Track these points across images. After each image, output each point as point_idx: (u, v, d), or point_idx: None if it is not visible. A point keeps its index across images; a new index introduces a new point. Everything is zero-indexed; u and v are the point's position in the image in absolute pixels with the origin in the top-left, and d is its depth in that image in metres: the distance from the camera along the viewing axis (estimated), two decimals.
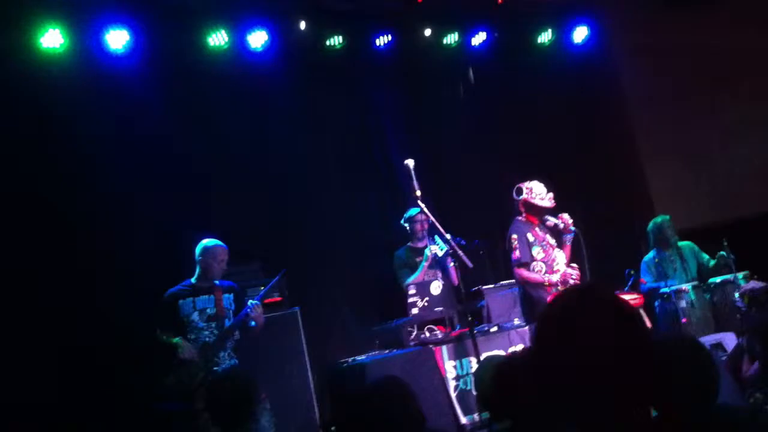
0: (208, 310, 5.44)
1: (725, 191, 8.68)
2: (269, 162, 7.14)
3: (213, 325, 5.42)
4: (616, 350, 1.43)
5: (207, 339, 5.37)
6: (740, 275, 6.75)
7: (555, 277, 6.01)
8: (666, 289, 6.87)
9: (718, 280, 6.93)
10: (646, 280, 7.25)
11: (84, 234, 6.12)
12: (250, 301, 5.48)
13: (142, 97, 6.51)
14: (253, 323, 5.47)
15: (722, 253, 6.91)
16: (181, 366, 5.22)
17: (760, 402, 3.62)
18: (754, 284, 6.23)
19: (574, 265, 6.07)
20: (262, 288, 5.86)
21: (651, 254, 7.38)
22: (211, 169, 6.78)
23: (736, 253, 6.87)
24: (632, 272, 7.42)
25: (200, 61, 7.00)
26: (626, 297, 6.25)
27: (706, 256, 7.27)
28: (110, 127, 6.41)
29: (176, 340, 5.25)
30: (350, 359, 6.17)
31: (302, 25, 7.35)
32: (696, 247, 7.38)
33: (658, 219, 7.40)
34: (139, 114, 6.49)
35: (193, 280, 5.54)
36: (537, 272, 6.08)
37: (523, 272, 6.08)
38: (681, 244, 7.35)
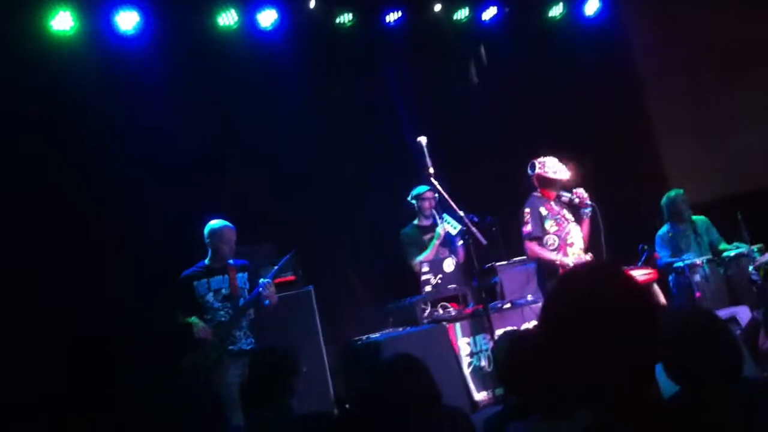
0: (222, 290, 5.49)
1: (740, 164, 8.61)
2: (280, 142, 7.14)
3: (228, 305, 5.47)
4: (624, 328, 1.43)
5: (222, 319, 5.42)
6: (755, 248, 6.72)
7: (568, 260, 6.01)
8: (680, 264, 6.84)
9: (732, 253, 6.90)
10: (661, 254, 7.22)
11: (95, 219, 6.16)
12: (262, 279, 5.51)
13: (152, 79, 6.53)
14: (266, 302, 5.50)
15: (737, 244, 6.86)
16: (197, 346, 5.28)
17: None
18: None
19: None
20: (274, 267, 5.89)
21: (665, 228, 7.35)
22: (222, 150, 6.79)
23: (751, 226, 6.83)
24: (646, 247, 7.37)
25: (210, 41, 7.01)
26: (640, 272, 6.24)
27: (716, 234, 7.24)
28: (120, 110, 6.45)
29: (192, 320, 5.31)
30: (364, 337, 6.20)
31: (312, 2, 7.31)
32: (709, 222, 7.34)
33: (672, 193, 7.35)
34: (150, 96, 6.50)
35: (206, 261, 5.58)
36: (549, 246, 6.08)
37: (535, 247, 6.08)
38: (695, 218, 7.31)
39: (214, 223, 5.59)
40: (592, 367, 1.42)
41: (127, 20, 6.53)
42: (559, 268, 5.98)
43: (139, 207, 6.29)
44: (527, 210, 6.11)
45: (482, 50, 8.45)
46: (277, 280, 5.85)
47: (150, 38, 6.64)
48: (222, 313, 5.44)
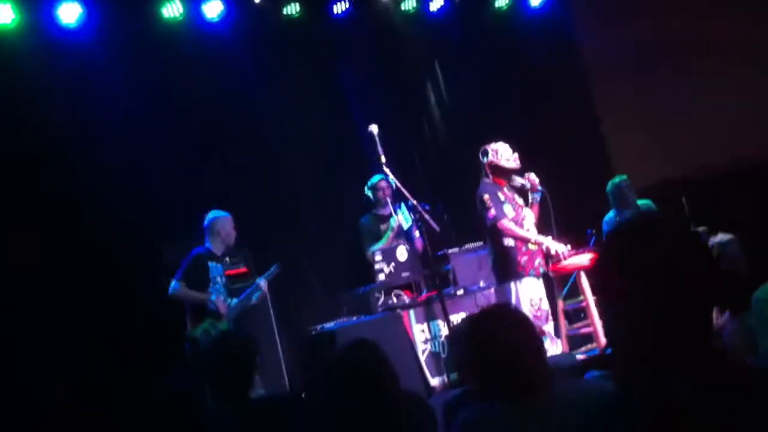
0: (222, 278, 5.85)
1: (685, 149, 8.80)
2: (230, 133, 7.10)
3: (226, 291, 5.82)
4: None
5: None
6: (699, 230, 6.88)
7: (543, 238, 6.12)
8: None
9: None
10: None
11: (34, 215, 6.02)
12: (259, 279, 5.95)
13: (97, 73, 6.43)
14: (254, 299, 5.95)
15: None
16: (210, 319, 5.60)
17: (741, 349, 3.70)
18: (723, 236, 6.36)
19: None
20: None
21: (611, 213, 7.47)
22: (170, 142, 6.69)
23: (695, 210, 7.00)
24: (594, 231, 7.52)
25: (156, 33, 6.92)
26: (588, 255, 6.36)
27: None
28: (64, 104, 6.31)
29: (213, 296, 5.66)
30: (318, 326, 6.21)
31: None
32: (654, 206, 7.50)
33: (616, 179, 7.47)
34: (95, 90, 6.41)
35: (210, 246, 5.89)
36: None
37: (511, 226, 6.15)
38: (640, 202, 7.46)
39: (218, 212, 5.96)
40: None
41: (70, 12, 6.41)
42: (521, 251, 6.10)
43: (81, 203, 6.20)
44: (486, 196, 6.16)
45: (437, 67, 8.47)
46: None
47: (94, 31, 6.54)
48: (222, 298, 5.75)
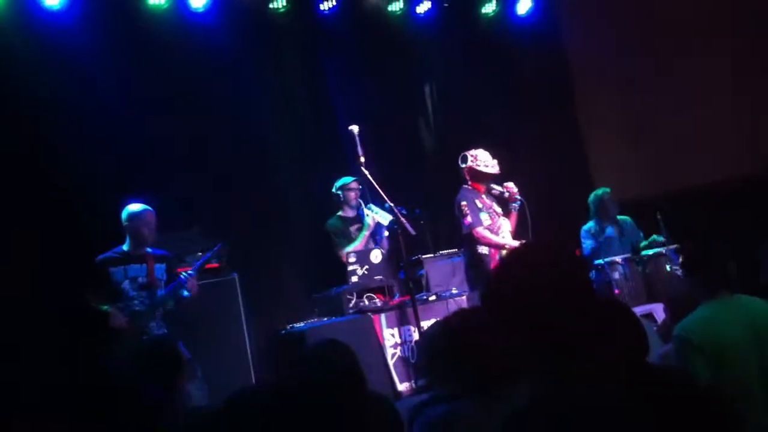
0: (139, 279, 5.37)
1: (663, 164, 8.84)
2: (211, 126, 7.00)
3: (144, 294, 5.35)
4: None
5: (137, 308, 5.30)
6: (672, 248, 6.92)
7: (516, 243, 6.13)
8: (600, 261, 6.99)
9: (650, 252, 7.09)
10: (586, 244, 7.37)
11: (17, 201, 5.91)
12: (183, 273, 5.42)
13: (81, 57, 6.33)
14: (186, 293, 5.41)
15: (656, 237, 7.07)
16: (110, 335, 5.07)
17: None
18: None
19: None
20: (199, 254, 5.81)
21: (590, 224, 7.50)
22: (151, 132, 6.61)
23: (671, 226, 7.03)
24: (570, 242, 7.54)
25: (139, 19, 6.82)
26: None
27: (640, 235, 7.44)
28: (46, 88, 6.21)
29: (106, 307, 5.09)
30: (289, 326, 6.15)
31: None
32: (633, 223, 7.54)
33: (599, 191, 7.51)
34: (77, 74, 6.31)
35: (124, 247, 5.44)
36: None
37: (487, 233, 6.13)
38: (620, 218, 7.49)
39: (135, 207, 5.44)
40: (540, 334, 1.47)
41: None
42: (495, 259, 6.10)
43: (62, 187, 6.09)
44: (464, 203, 6.17)
45: (422, 70, 8.43)
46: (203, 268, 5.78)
47: (78, 14, 6.44)
48: (137, 302, 5.31)
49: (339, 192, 6.73)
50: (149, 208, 5.45)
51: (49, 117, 6.17)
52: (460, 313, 2.65)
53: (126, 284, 5.31)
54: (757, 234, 7.30)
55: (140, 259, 5.41)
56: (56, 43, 6.35)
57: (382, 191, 6.20)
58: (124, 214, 5.43)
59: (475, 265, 6.20)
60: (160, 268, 5.47)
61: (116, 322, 5.11)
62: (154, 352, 3.50)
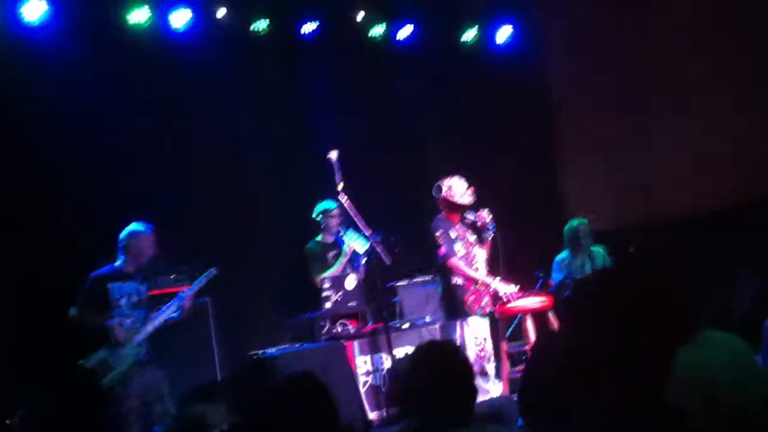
0: (133, 297, 5.41)
1: (640, 194, 8.91)
2: (188, 145, 6.95)
3: (136, 312, 5.39)
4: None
5: (131, 326, 5.34)
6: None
7: (491, 280, 6.12)
8: (570, 280, 7.01)
9: None
10: (556, 279, 7.39)
11: None
12: (181, 293, 5.52)
13: (59, 74, 6.28)
14: (175, 315, 5.50)
15: None
16: (110, 349, 5.19)
17: None
18: None
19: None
20: (173, 276, 5.82)
21: (564, 254, 7.51)
22: (127, 151, 6.55)
23: (645, 258, 7.05)
24: (542, 273, 7.54)
25: (120, 37, 6.77)
26: (535, 299, 6.36)
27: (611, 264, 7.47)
28: (24, 104, 6.14)
29: (110, 322, 5.21)
30: (260, 351, 6.10)
31: (222, 12, 7.20)
32: (606, 253, 7.56)
33: (575, 222, 7.51)
34: (56, 92, 6.25)
35: (117, 264, 5.47)
36: None
37: (461, 265, 6.15)
38: (594, 248, 7.51)
39: (137, 225, 5.51)
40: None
41: (34, 10, 6.25)
42: (469, 290, 6.10)
43: (39, 203, 6.06)
44: (438, 233, 6.18)
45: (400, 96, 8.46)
46: (173, 289, 5.76)
47: (58, 30, 6.39)
48: (130, 321, 5.34)
49: (320, 217, 6.70)
50: (151, 228, 5.54)
51: (26, 132, 6.11)
52: (431, 345, 2.68)
53: (123, 301, 5.37)
54: (731, 265, 7.37)
55: (132, 277, 5.47)
56: (35, 59, 6.28)
57: (360, 218, 6.19)
58: (126, 233, 5.48)
59: (450, 295, 6.21)
60: (143, 289, 5.54)
61: (119, 337, 5.21)
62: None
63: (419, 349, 2.62)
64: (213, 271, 5.75)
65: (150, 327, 5.40)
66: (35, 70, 6.25)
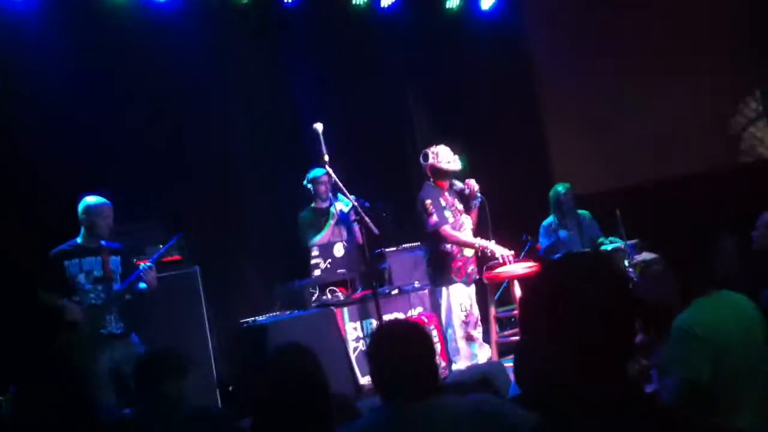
0: (94, 272, 5.29)
1: (622, 159, 8.98)
2: (172, 118, 6.93)
3: (99, 287, 5.29)
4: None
5: (93, 302, 5.24)
6: (630, 243, 7.03)
7: (487, 243, 6.17)
8: (558, 255, 7.07)
9: (609, 247, 7.21)
10: (543, 244, 7.48)
11: None
12: (142, 264, 5.38)
13: (39, 51, 6.21)
14: (143, 285, 5.38)
15: (619, 243, 7.14)
16: (67, 328, 5.10)
17: (647, 368, 3.82)
18: (647, 255, 6.49)
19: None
20: (161, 246, 5.77)
21: (550, 219, 7.60)
22: (110, 123, 6.53)
23: (628, 222, 7.14)
24: (529, 238, 7.63)
25: (100, 13, 6.70)
26: (522, 265, 6.43)
27: (597, 230, 7.55)
28: (4, 81, 6.10)
29: (62, 302, 5.11)
30: (251, 319, 6.16)
31: None
32: (592, 217, 7.64)
33: (559, 187, 7.60)
34: (36, 67, 6.19)
35: (78, 240, 5.35)
36: None
37: (453, 232, 6.18)
38: (580, 212, 7.59)
39: (92, 199, 5.35)
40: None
41: None
42: (456, 257, 6.15)
43: (21, 179, 6.02)
44: (428, 201, 6.18)
45: (385, 64, 8.41)
46: (163, 259, 5.74)
47: (36, 7, 6.34)
48: (92, 295, 5.25)
49: (310, 185, 6.75)
50: (107, 201, 5.38)
51: (7, 111, 6.07)
52: (388, 324, 2.75)
53: (81, 277, 5.24)
54: (713, 232, 7.43)
55: (95, 252, 5.33)
56: (14, 37, 6.24)
57: (345, 188, 6.23)
58: (80, 207, 5.34)
59: (437, 262, 6.25)
60: (114, 261, 5.40)
61: (71, 315, 5.09)
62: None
63: (379, 328, 2.74)
64: (176, 238, 5.67)
65: (115, 302, 5.30)
66: (14, 47, 6.20)
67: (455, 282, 6.17)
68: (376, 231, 6.13)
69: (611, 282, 1.57)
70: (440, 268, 6.21)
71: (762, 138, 8.93)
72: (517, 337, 6.48)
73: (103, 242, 5.39)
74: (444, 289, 6.19)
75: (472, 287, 6.36)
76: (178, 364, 3.40)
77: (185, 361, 3.43)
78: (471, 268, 6.29)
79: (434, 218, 6.13)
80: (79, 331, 5.10)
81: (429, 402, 2.36)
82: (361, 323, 6.34)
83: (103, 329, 5.21)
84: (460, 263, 6.20)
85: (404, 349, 2.42)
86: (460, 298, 6.17)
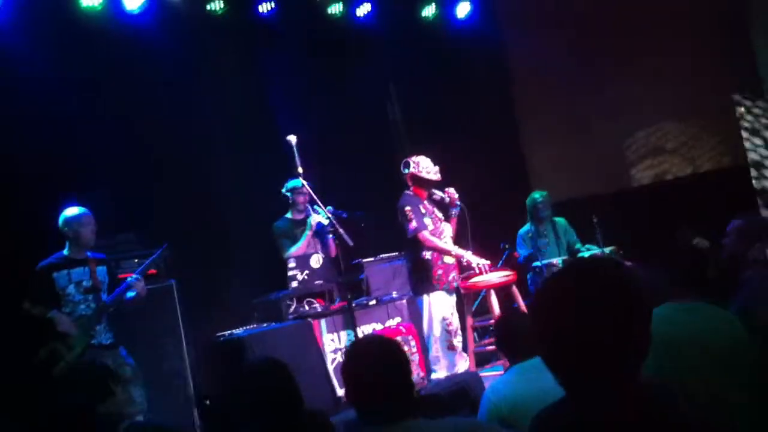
0: (84, 283, 5.31)
1: (600, 166, 9.03)
2: (148, 128, 6.87)
3: (90, 297, 5.31)
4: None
5: (83, 312, 5.26)
6: (607, 250, 7.06)
7: (464, 252, 6.15)
8: (538, 263, 7.10)
9: (587, 254, 7.22)
10: (521, 252, 7.48)
11: None
12: (130, 276, 5.39)
13: (10, 56, 6.15)
14: (131, 294, 5.37)
15: (596, 250, 7.16)
16: (57, 340, 5.09)
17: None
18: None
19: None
20: (136, 260, 5.74)
21: (526, 227, 7.61)
22: (83, 135, 6.46)
23: (605, 228, 7.17)
24: (507, 246, 7.64)
25: (73, 22, 6.64)
26: (500, 273, 6.42)
27: (574, 236, 7.57)
28: None
29: (53, 314, 5.11)
30: (227, 333, 6.11)
31: None
32: (568, 224, 7.66)
33: (536, 194, 7.62)
34: (8, 73, 6.12)
35: (65, 252, 5.36)
36: None
37: (432, 238, 6.17)
38: (556, 219, 7.61)
39: (72, 211, 5.35)
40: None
41: None
42: (437, 264, 6.14)
43: None
44: (408, 208, 6.19)
45: (362, 75, 8.41)
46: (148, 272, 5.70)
47: (7, 13, 6.26)
48: (83, 306, 5.27)
49: (288, 194, 6.71)
50: (86, 211, 5.38)
51: None
52: (362, 342, 2.68)
53: (71, 288, 5.26)
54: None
55: (82, 262, 5.36)
56: None
57: (323, 199, 6.21)
58: (61, 220, 5.32)
59: (418, 270, 6.25)
60: (101, 271, 5.42)
61: (62, 327, 5.10)
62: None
63: (353, 346, 2.64)
64: (163, 248, 5.65)
65: (105, 312, 5.32)
66: None
67: (437, 290, 6.17)
68: (350, 242, 6.10)
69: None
70: (421, 276, 6.21)
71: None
72: (493, 347, 6.47)
73: (89, 253, 5.41)
74: (425, 296, 6.18)
75: (454, 296, 6.36)
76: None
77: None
78: (452, 275, 6.29)
79: (413, 224, 6.14)
80: (68, 343, 5.11)
81: (407, 424, 2.30)
82: (338, 335, 6.31)
83: (93, 340, 5.23)
84: (440, 270, 6.20)
85: (377, 370, 2.35)
86: (441, 307, 6.16)
